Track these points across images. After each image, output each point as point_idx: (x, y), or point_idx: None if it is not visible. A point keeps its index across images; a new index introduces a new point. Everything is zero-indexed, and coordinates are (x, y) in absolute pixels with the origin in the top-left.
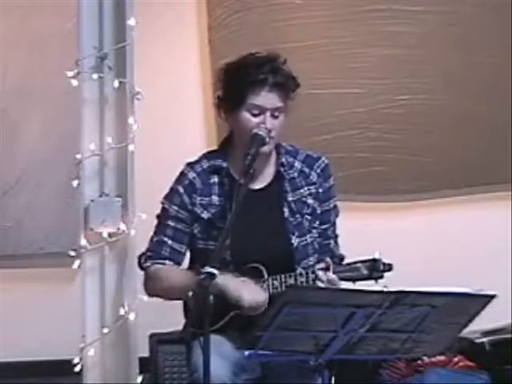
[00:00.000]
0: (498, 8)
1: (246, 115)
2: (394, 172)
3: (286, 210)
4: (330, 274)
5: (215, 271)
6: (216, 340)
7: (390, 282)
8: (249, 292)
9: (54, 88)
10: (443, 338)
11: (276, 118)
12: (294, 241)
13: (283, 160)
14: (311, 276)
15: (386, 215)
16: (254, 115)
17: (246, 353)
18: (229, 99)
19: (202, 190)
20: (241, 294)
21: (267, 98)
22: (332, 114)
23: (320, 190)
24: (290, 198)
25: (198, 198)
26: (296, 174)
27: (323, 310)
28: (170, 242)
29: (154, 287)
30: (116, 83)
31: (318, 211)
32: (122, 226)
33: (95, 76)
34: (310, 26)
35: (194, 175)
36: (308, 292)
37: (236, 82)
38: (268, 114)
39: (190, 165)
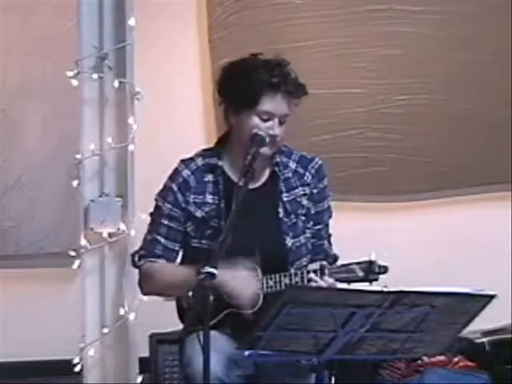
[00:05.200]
0: (498, 8)
1: (255, 119)
2: (394, 172)
3: (280, 210)
4: (328, 279)
5: (215, 271)
6: (211, 334)
7: (389, 282)
8: (245, 292)
9: (54, 88)
10: (443, 338)
11: (282, 123)
12: (288, 241)
13: (278, 160)
14: (306, 276)
15: (386, 215)
16: (264, 120)
17: (246, 353)
18: (239, 101)
19: (196, 188)
20: (237, 294)
21: (279, 105)
22: (332, 113)
23: (314, 191)
24: (285, 198)
25: (192, 197)
26: (291, 174)
27: (323, 310)
28: (163, 240)
29: (148, 285)
30: (116, 83)
31: (312, 212)
32: (122, 226)
33: (95, 76)
34: (309, 26)
35: (189, 173)
36: (308, 292)
37: (248, 85)
38: (277, 120)
39: (185, 162)
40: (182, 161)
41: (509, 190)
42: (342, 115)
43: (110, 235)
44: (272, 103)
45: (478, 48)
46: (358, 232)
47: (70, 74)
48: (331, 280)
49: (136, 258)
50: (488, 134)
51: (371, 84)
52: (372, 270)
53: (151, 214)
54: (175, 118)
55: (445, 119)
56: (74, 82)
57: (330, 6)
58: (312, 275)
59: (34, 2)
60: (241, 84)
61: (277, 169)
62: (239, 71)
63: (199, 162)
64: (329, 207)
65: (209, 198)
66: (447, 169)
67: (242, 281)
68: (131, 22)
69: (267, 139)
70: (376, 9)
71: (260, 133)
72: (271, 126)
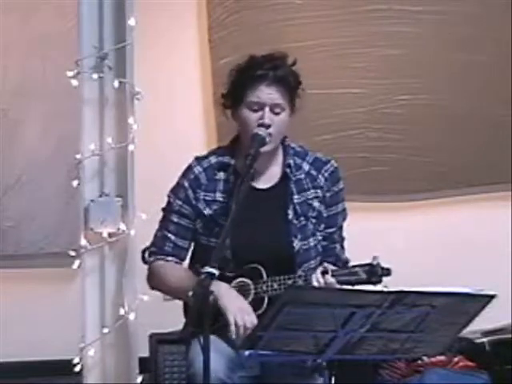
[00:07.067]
0: (498, 8)
1: (245, 111)
2: (394, 172)
3: (290, 212)
4: (329, 278)
5: (215, 271)
6: (213, 336)
7: (389, 282)
8: (237, 313)
9: (54, 88)
10: (443, 338)
11: (276, 114)
12: (296, 244)
13: (290, 161)
14: (310, 279)
15: (386, 215)
16: (254, 111)
17: (247, 353)
18: (230, 96)
19: (207, 185)
20: (228, 314)
21: (265, 93)
22: (332, 113)
23: (327, 194)
24: (295, 200)
25: (202, 194)
26: (303, 176)
27: (323, 310)
28: (173, 237)
29: (155, 283)
30: (116, 83)
31: (325, 215)
32: (122, 226)
33: (95, 76)
34: (310, 26)
35: (200, 170)
36: (308, 292)
37: (238, 80)
38: (267, 109)
39: (198, 159)
40: (196, 158)
41: (509, 189)
42: (342, 115)
43: (110, 235)
44: (257, 91)
45: (478, 48)
46: (358, 232)
47: (70, 73)
48: (332, 279)
49: (146, 255)
50: (488, 133)
51: (371, 84)
52: (375, 273)
53: (163, 210)
54: (175, 118)
55: (445, 119)
56: (74, 82)
57: (329, 5)
58: (314, 274)
59: (34, 2)
60: (233, 82)
61: (288, 170)
62: (235, 71)
63: (212, 159)
64: (343, 210)
65: (219, 196)
66: (447, 169)
67: (237, 307)
68: (131, 22)
69: (267, 139)
70: (376, 9)
71: (260, 132)
72: (261, 116)
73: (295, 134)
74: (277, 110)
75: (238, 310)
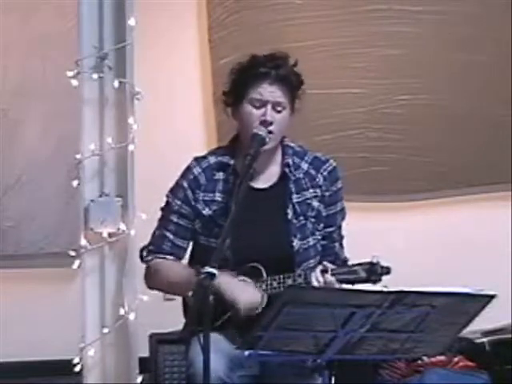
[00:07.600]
0: (498, 8)
1: (248, 108)
2: (394, 172)
3: (289, 211)
4: (328, 276)
5: (215, 271)
6: (213, 335)
7: (389, 282)
8: (244, 295)
9: (54, 88)
10: (443, 338)
11: (278, 112)
12: (296, 243)
13: (289, 161)
14: (309, 277)
15: (386, 215)
16: (256, 107)
17: (246, 353)
18: (232, 93)
19: (206, 186)
20: (236, 297)
21: (267, 91)
22: (332, 113)
23: (326, 194)
24: (294, 200)
25: (201, 194)
26: (302, 175)
27: (323, 310)
28: (171, 236)
29: (154, 281)
30: (116, 83)
31: (324, 214)
32: (122, 226)
33: (95, 76)
34: (310, 26)
35: (200, 170)
36: (308, 292)
37: (240, 78)
38: (269, 106)
39: (197, 160)
40: (195, 158)
41: (509, 189)
42: (342, 115)
43: (110, 235)
44: (260, 88)
45: (478, 48)
46: (358, 232)
47: (70, 73)
48: (332, 278)
49: (144, 253)
50: (488, 133)
51: (371, 84)
52: (375, 271)
53: (162, 209)
54: (175, 118)
55: (445, 119)
56: (74, 82)
57: (330, 5)
58: (313, 273)
59: (34, 2)
60: (235, 79)
61: (287, 170)
62: (237, 70)
63: (211, 159)
64: (342, 209)
65: (218, 197)
66: (447, 169)
67: (242, 288)
68: (131, 22)
69: (267, 139)
70: (376, 9)
71: (260, 132)
72: (264, 113)
73: (295, 134)
74: (278, 109)
75: (247, 297)
